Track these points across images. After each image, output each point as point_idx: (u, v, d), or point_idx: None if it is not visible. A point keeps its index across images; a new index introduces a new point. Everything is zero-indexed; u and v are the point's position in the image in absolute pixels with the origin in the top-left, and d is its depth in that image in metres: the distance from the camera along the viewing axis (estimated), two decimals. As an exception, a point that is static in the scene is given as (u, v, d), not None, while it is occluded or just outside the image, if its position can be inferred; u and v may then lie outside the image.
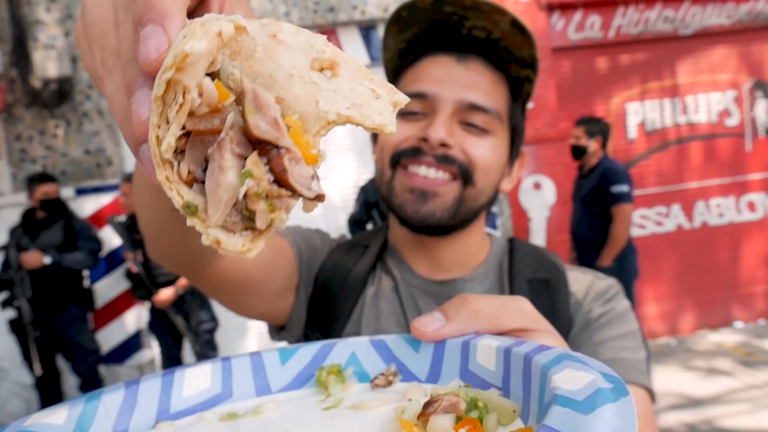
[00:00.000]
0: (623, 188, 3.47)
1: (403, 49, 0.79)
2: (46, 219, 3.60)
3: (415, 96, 0.74)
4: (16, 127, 4.11)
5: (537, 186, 4.59)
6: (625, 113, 4.80)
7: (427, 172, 0.72)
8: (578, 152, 3.66)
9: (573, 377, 0.30)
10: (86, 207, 4.11)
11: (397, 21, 0.76)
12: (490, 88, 0.75)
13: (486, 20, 0.74)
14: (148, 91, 0.26)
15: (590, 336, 0.73)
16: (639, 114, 4.81)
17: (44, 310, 3.56)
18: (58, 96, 4.05)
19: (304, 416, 0.39)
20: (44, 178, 3.58)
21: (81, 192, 4.14)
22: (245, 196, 0.25)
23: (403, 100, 0.30)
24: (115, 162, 4.20)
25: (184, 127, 0.25)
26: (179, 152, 0.26)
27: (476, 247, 0.81)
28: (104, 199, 4.17)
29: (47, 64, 3.97)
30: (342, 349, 0.45)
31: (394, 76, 0.81)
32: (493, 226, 4.53)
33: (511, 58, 0.76)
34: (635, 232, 4.65)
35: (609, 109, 4.77)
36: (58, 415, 0.35)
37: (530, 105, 4.88)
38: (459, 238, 0.78)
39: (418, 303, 0.77)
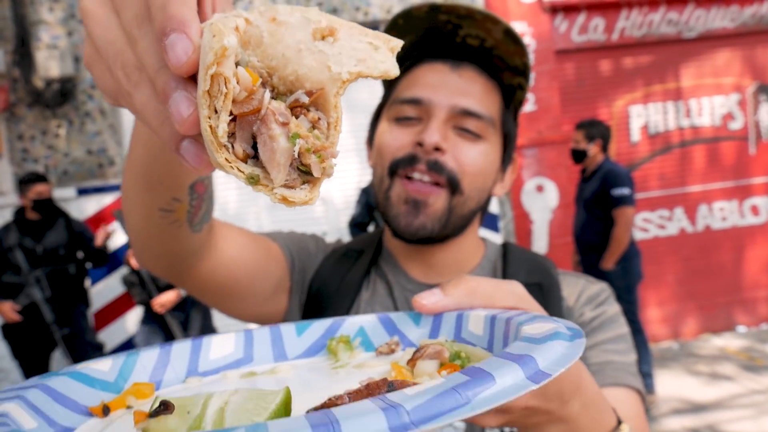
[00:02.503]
0: (625, 191, 3.45)
1: (399, 57, 0.77)
2: (44, 219, 3.59)
3: (411, 102, 0.76)
4: (18, 127, 4.10)
5: (540, 189, 4.58)
6: (628, 116, 4.78)
7: (421, 177, 0.74)
8: (578, 156, 3.65)
9: (540, 327, 0.36)
10: (88, 207, 4.11)
11: (394, 28, 0.78)
12: (483, 94, 0.77)
13: (480, 29, 0.76)
14: (183, 92, 0.29)
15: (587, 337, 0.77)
16: (642, 117, 4.79)
17: (69, 307, 3.58)
18: (61, 96, 4.05)
19: (314, 375, 0.44)
20: (37, 178, 3.56)
21: (83, 192, 4.13)
22: (299, 154, 0.29)
23: (398, 44, 0.32)
24: (117, 162, 4.19)
25: (231, 113, 0.28)
26: (230, 135, 0.29)
27: (470, 252, 0.83)
28: (106, 199, 4.17)
29: (50, 64, 3.97)
30: (351, 323, 0.52)
31: (391, 82, 0.83)
32: (496, 229, 4.52)
33: (504, 66, 0.79)
34: (638, 235, 4.63)
35: (612, 112, 4.75)
36: (104, 364, 0.43)
37: (532, 107, 4.97)
38: (453, 243, 0.80)
39: (413, 307, 0.77)
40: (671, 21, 4.65)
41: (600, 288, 0.81)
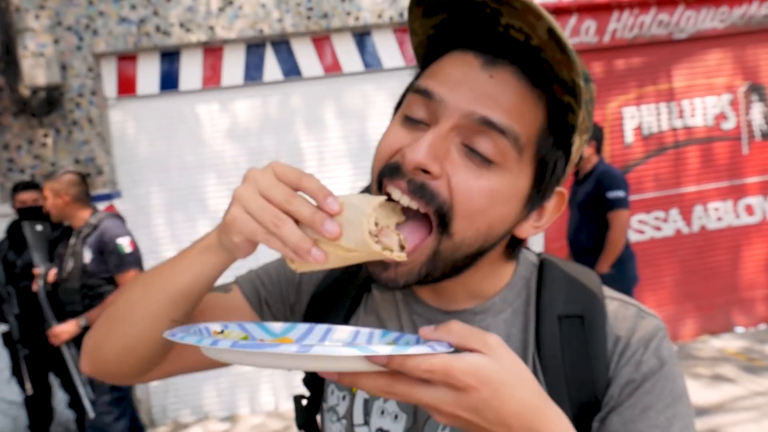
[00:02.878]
0: (619, 194, 3.42)
1: (431, 36, 0.64)
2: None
3: (421, 93, 0.60)
4: (3, 136, 4.03)
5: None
6: (621, 118, 4.77)
7: (400, 198, 0.59)
8: None
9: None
10: (76, 217, 4.03)
11: (421, 2, 0.60)
12: (516, 105, 0.58)
13: (522, 21, 0.55)
14: (332, 221, 0.53)
15: (639, 398, 0.62)
16: (635, 118, 4.78)
17: (34, 327, 3.45)
18: (47, 104, 3.98)
19: None
20: (23, 185, 3.48)
21: (70, 202, 4.05)
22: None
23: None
24: (106, 171, 4.12)
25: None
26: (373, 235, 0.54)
27: (489, 277, 0.68)
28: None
29: (36, 72, 3.90)
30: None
31: (424, 63, 0.66)
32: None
33: (552, 74, 0.57)
34: (634, 237, 4.60)
35: (605, 114, 4.74)
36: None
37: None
38: (464, 274, 0.64)
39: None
40: (662, 22, 4.66)
41: (655, 326, 0.65)
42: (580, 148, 0.62)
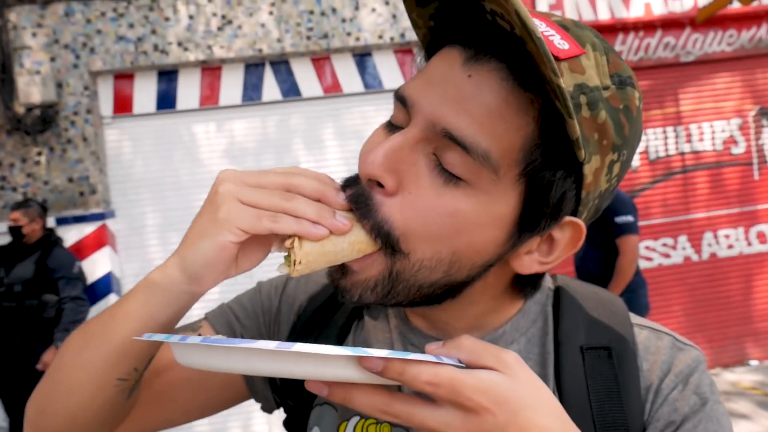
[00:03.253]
0: (628, 218, 3.28)
1: (433, 28, 0.56)
2: (24, 250, 3.43)
3: (398, 99, 0.52)
4: (-4, 154, 3.97)
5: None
6: (627, 141, 4.67)
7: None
8: None
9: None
10: (68, 237, 3.94)
11: None
12: (493, 112, 0.47)
13: (499, 5, 0.44)
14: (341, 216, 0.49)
15: None
16: (642, 142, 4.67)
17: (8, 350, 3.34)
18: (42, 122, 3.93)
19: None
20: (17, 204, 3.47)
21: (62, 221, 3.97)
22: None
23: None
24: (99, 190, 4.04)
25: None
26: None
27: (491, 312, 0.58)
28: (87, 229, 4.00)
29: (31, 90, 3.87)
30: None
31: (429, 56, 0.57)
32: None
33: (545, 78, 0.45)
34: (642, 264, 4.45)
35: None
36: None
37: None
38: (451, 304, 0.55)
39: None
40: (668, 45, 4.58)
41: (694, 359, 0.57)
42: (606, 167, 0.49)
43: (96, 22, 4.04)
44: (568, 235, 0.52)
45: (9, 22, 3.97)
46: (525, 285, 0.57)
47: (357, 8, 4.23)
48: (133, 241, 4.17)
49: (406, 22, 4.27)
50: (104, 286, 4.04)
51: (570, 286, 0.62)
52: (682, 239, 4.67)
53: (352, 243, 0.48)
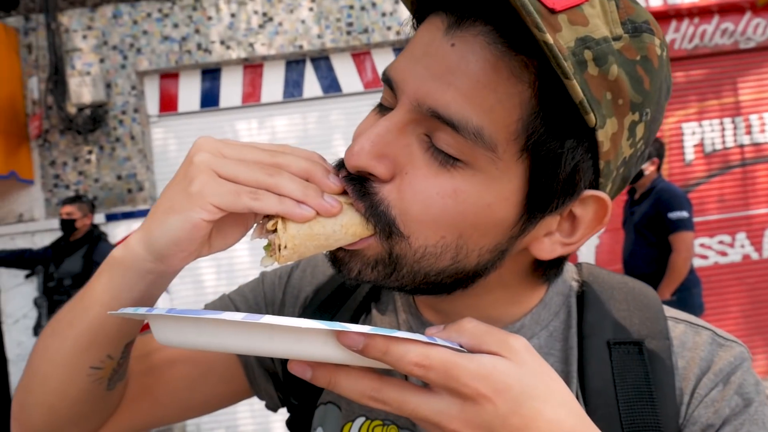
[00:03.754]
0: (683, 214, 3.12)
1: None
2: (72, 245, 3.56)
3: (383, 80, 0.48)
4: (51, 153, 4.13)
5: (584, 212, 4.28)
6: (681, 134, 4.45)
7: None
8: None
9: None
10: (117, 233, 4.06)
11: None
12: (482, 84, 0.42)
13: None
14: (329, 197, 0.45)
15: None
16: (696, 135, 4.45)
17: None
18: (92, 121, 4.06)
19: None
20: (70, 199, 3.60)
21: (111, 218, 4.10)
22: None
23: None
24: (146, 187, 4.15)
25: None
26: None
27: (507, 303, 0.53)
28: (135, 225, 4.11)
29: (82, 90, 4.00)
30: None
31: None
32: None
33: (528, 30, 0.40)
34: (696, 262, 4.25)
35: (663, 130, 4.43)
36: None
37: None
38: (465, 294, 0.50)
39: None
40: (726, 31, 4.33)
41: (736, 356, 0.51)
42: (626, 130, 0.44)
43: (142, 23, 4.14)
44: (592, 211, 0.47)
45: (61, 26, 4.12)
46: (547, 269, 0.51)
47: (397, 2, 4.18)
48: (179, 237, 4.27)
49: (447, 14, 4.19)
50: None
51: (597, 276, 0.56)
52: (741, 236, 4.43)
53: (344, 225, 0.44)
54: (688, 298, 3.23)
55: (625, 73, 0.42)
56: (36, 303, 3.56)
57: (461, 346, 0.39)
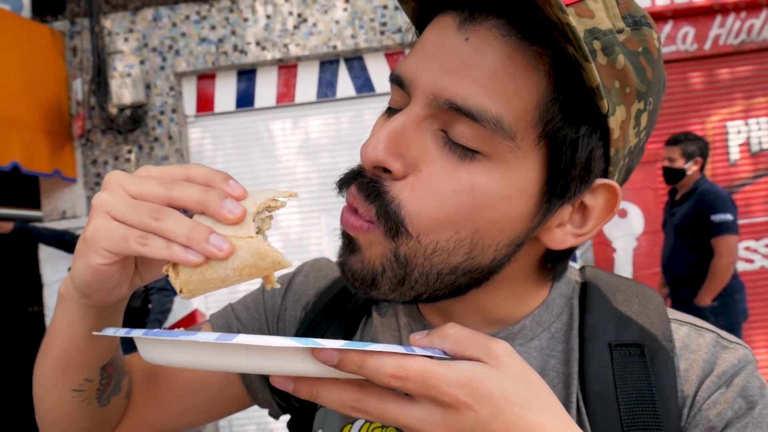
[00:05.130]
0: (727, 217, 3.00)
1: (422, 2, 0.51)
2: None
3: (392, 81, 0.48)
4: (92, 153, 4.26)
5: (622, 213, 4.17)
6: (725, 133, 4.29)
7: (350, 200, 0.47)
8: (673, 176, 3.20)
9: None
10: (154, 230, 4.17)
11: None
12: (500, 75, 0.42)
13: None
14: (231, 198, 0.42)
15: None
16: (742, 133, 4.28)
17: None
18: (132, 122, 4.18)
19: None
20: None
21: (149, 215, 4.20)
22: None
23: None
24: (183, 186, 4.24)
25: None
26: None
27: (512, 302, 0.53)
28: (171, 223, 4.22)
29: (123, 92, 4.11)
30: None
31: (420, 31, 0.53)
32: (573, 258, 4.13)
33: (550, 22, 0.40)
34: (741, 266, 4.08)
35: (705, 129, 4.28)
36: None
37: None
38: (473, 294, 0.50)
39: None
40: (775, 26, 4.16)
41: (740, 358, 0.50)
42: (633, 118, 0.45)
43: (181, 25, 4.23)
44: (602, 200, 0.48)
45: (104, 29, 4.25)
46: (555, 263, 0.51)
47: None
48: (214, 235, 4.34)
49: (481, 12, 4.15)
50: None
51: (599, 278, 0.56)
52: (789, 240, 4.24)
53: (236, 269, 0.41)
54: (730, 303, 3.11)
55: (630, 63, 0.44)
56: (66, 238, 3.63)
57: (444, 352, 0.39)
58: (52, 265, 4.23)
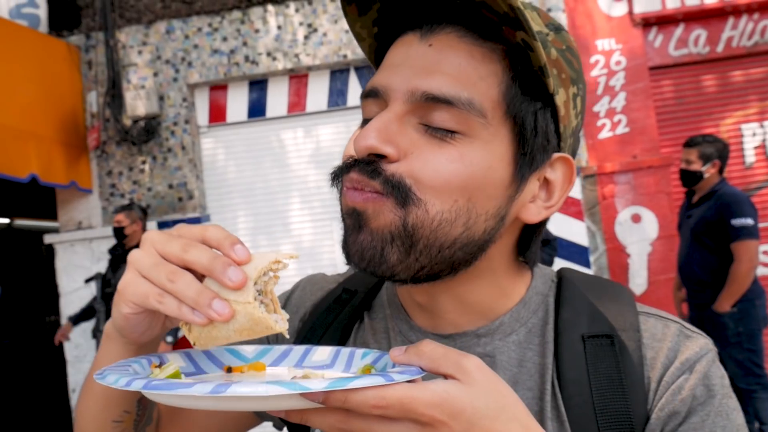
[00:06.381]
0: (747, 221, 2.92)
1: (378, 35, 0.59)
2: (127, 251, 3.70)
3: (368, 96, 0.54)
4: (107, 164, 4.32)
5: (636, 218, 4.12)
6: (740, 135, 4.24)
7: (353, 184, 0.52)
8: (690, 178, 3.15)
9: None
10: (168, 240, 4.20)
11: (350, 0, 0.55)
12: (464, 67, 0.51)
13: None
14: (234, 265, 0.46)
15: None
16: (758, 136, 4.22)
17: None
18: (146, 133, 4.23)
19: None
20: (121, 207, 3.73)
21: (163, 225, 4.24)
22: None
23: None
24: (196, 196, 4.28)
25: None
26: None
27: (493, 292, 0.58)
28: (185, 233, 4.25)
29: (137, 103, 4.17)
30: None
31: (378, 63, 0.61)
32: (586, 264, 4.09)
33: (497, 18, 0.50)
34: (760, 271, 4.02)
35: (720, 131, 4.23)
36: (249, 348, 0.58)
37: (625, 129, 4.54)
38: (460, 282, 0.56)
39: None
40: (789, 27, 4.11)
41: (702, 347, 0.55)
42: (571, 100, 0.55)
43: (193, 37, 4.29)
44: (561, 172, 0.56)
45: (119, 42, 4.32)
46: (528, 243, 0.58)
47: (440, 8, 4.19)
48: (227, 244, 4.37)
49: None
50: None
51: (574, 277, 0.62)
52: (809, 243, 4.17)
53: (237, 330, 0.46)
54: (750, 309, 3.04)
55: (560, 55, 0.54)
56: (94, 307, 3.71)
57: (422, 368, 0.44)
58: (69, 276, 4.28)
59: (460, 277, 0.55)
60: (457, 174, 0.50)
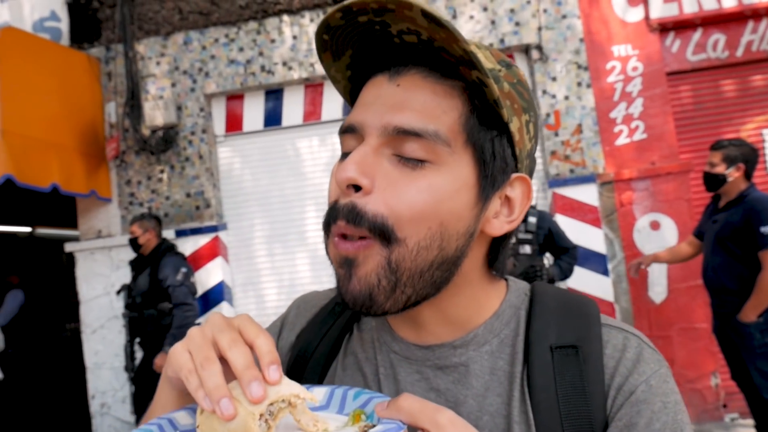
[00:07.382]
0: None
1: (352, 77, 0.66)
2: (143, 262, 3.73)
3: (345, 133, 0.61)
4: (127, 173, 4.39)
5: (655, 225, 4.06)
6: (762, 141, 4.16)
7: (342, 228, 0.58)
8: (713, 182, 3.07)
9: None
10: (185, 248, 4.24)
11: (326, 49, 0.61)
12: (429, 103, 0.58)
13: (404, 20, 0.56)
14: (260, 382, 0.50)
15: None
16: (780, 141, 4.14)
17: (147, 353, 3.64)
18: (164, 142, 4.29)
19: None
20: (133, 219, 3.77)
21: (180, 234, 4.29)
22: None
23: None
24: (213, 204, 4.32)
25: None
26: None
27: (472, 304, 0.65)
28: (202, 241, 4.29)
29: (155, 114, 4.24)
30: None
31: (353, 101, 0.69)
32: (605, 272, 4.04)
33: (455, 60, 0.57)
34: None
35: (741, 137, 4.16)
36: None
37: (642, 136, 4.47)
38: (443, 298, 0.62)
39: (397, 372, 0.67)
40: (811, 30, 4.04)
41: (657, 362, 0.60)
42: (524, 126, 0.62)
43: (210, 48, 4.35)
44: (520, 191, 0.62)
45: (137, 54, 4.40)
46: (496, 254, 0.64)
47: (455, 16, 4.19)
48: (243, 251, 4.40)
49: (504, 28, 4.14)
50: (217, 294, 4.30)
51: (546, 292, 0.67)
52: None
53: (231, 430, 0.50)
54: (777, 320, 2.97)
55: (512, 88, 0.60)
56: (123, 316, 3.76)
57: (402, 422, 0.48)
58: (89, 284, 4.35)
59: (442, 293, 0.61)
60: (428, 203, 0.56)
